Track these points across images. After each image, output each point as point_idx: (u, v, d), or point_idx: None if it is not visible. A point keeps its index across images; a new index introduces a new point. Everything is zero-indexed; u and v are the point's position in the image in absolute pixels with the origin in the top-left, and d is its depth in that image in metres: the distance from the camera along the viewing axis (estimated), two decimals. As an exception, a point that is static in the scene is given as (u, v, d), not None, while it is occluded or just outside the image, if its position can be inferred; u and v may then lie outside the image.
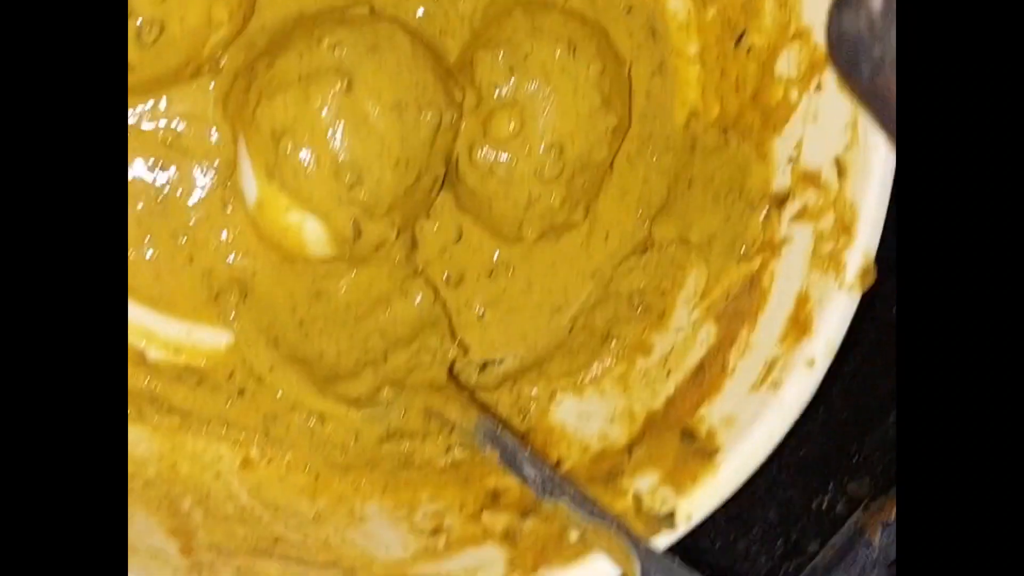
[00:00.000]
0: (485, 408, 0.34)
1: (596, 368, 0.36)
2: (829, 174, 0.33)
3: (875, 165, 0.32)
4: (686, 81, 0.39)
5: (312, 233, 0.32)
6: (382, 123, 0.32)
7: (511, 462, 0.30)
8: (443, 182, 0.35)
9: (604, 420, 0.35)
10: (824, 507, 0.42)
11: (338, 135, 0.31)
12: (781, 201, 0.35)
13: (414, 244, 0.35)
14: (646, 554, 0.28)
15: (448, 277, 0.36)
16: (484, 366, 0.37)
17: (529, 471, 0.30)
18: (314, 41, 0.32)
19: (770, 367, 0.32)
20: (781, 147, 0.35)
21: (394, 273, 0.35)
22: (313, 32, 0.32)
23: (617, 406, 0.35)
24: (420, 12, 0.36)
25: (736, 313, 0.34)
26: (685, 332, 0.35)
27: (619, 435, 0.34)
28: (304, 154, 0.31)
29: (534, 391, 0.36)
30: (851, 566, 0.41)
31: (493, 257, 0.36)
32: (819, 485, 0.42)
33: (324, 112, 0.31)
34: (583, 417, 0.35)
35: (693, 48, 0.38)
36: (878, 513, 0.41)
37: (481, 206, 0.35)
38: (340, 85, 0.31)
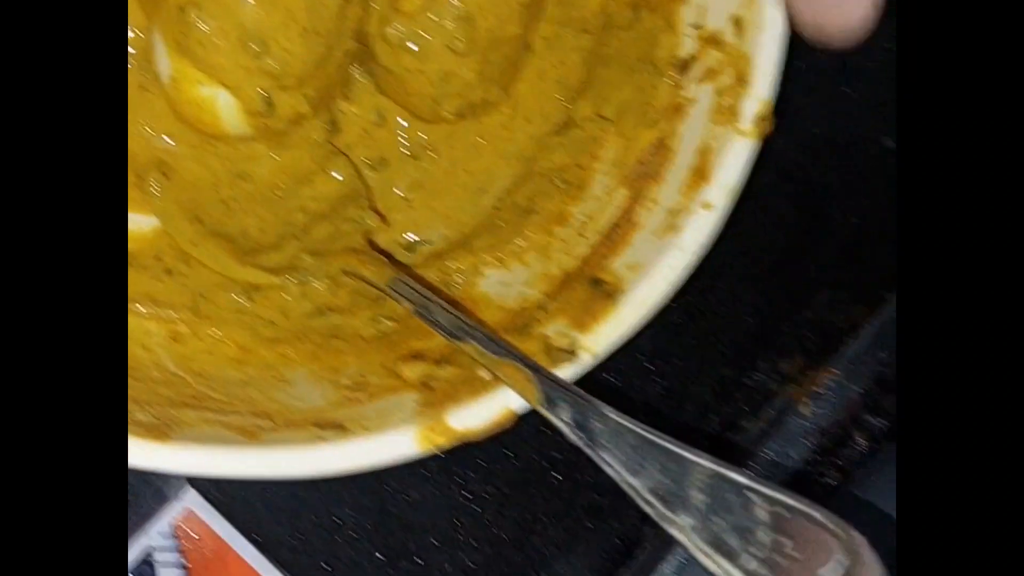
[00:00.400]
0: (400, 266, 0.35)
1: (519, 242, 0.37)
2: (729, 33, 0.34)
3: (768, 17, 0.33)
4: (602, -36, 0.39)
5: (225, 107, 0.33)
6: (287, -8, 0.32)
7: (424, 313, 0.31)
8: (360, 63, 0.36)
9: (524, 285, 0.36)
10: (756, 385, 0.43)
11: (244, 4, 0.32)
12: (686, 65, 0.36)
13: (334, 127, 0.36)
14: (547, 382, 0.29)
15: (370, 160, 0.37)
16: (411, 247, 0.38)
17: (441, 317, 0.31)
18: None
19: (673, 215, 0.33)
20: (686, 14, 0.36)
21: (315, 153, 0.36)
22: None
23: (536, 271, 0.36)
24: None
25: (645, 175, 0.35)
26: (600, 199, 0.36)
27: (536, 294, 0.35)
28: (210, 24, 0.32)
29: (460, 267, 0.37)
30: (783, 436, 0.42)
31: (415, 139, 0.37)
32: (750, 363, 0.43)
33: (229, -17, 0.32)
34: (505, 285, 0.36)
35: (607, -70, 0.39)
36: (807, 385, 0.43)
37: (398, 85, 0.36)
38: (243, -43, 0.32)
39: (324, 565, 0.40)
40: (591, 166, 0.38)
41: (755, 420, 0.43)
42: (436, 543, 0.41)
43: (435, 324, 0.31)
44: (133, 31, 0.35)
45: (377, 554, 0.40)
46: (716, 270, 0.39)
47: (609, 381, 0.41)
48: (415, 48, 0.35)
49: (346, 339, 0.35)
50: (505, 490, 0.41)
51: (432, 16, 0.35)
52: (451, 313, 0.31)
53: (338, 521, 0.40)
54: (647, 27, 0.37)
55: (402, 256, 0.38)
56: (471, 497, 0.41)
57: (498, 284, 0.36)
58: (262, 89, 0.33)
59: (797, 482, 0.41)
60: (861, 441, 0.42)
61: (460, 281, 0.37)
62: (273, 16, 0.32)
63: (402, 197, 0.37)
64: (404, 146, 0.37)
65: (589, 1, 0.39)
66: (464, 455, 0.37)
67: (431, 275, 0.37)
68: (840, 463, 0.42)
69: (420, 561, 0.40)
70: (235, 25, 0.32)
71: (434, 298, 0.32)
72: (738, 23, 0.34)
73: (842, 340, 0.43)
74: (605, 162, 0.37)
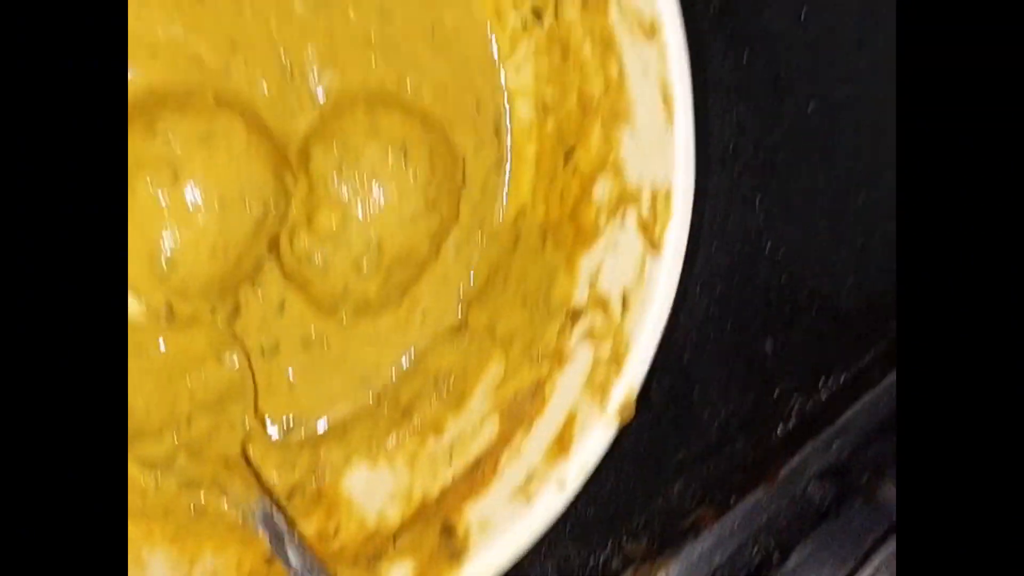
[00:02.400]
0: (267, 490, 0.37)
1: (392, 440, 0.40)
2: (616, 304, 0.37)
3: (652, 307, 0.35)
4: (520, 180, 0.41)
5: (130, 305, 0.35)
6: (203, 216, 0.34)
7: (279, 548, 0.34)
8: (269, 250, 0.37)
9: (386, 497, 0.38)
10: (600, 564, 0.47)
11: (157, 225, 0.33)
12: (576, 316, 0.38)
13: (236, 310, 0.38)
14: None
15: (264, 347, 0.39)
16: (288, 430, 0.40)
17: (294, 559, 0.33)
18: (150, 130, 0.34)
19: (529, 479, 0.36)
20: (586, 265, 0.38)
21: (212, 336, 0.37)
22: (152, 120, 0.34)
23: (401, 483, 0.38)
24: (268, 91, 0.38)
25: (518, 414, 0.38)
26: (474, 421, 0.39)
27: (393, 516, 0.37)
28: (124, 239, 0.33)
29: (332, 457, 0.39)
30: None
31: (311, 330, 0.39)
32: (599, 543, 0.47)
33: (146, 203, 0.33)
34: (369, 490, 0.39)
35: (531, 151, 0.41)
36: (648, 571, 0.46)
37: (299, 284, 0.38)
38: (166, 177, 0.33)
39: None
40: (474, 380, 0.40)
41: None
42: None
43: (287, 563, 0.34)
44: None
45: None
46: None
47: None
48: (320, 263, 0.37)
49: (210, 521, 0.37)
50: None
51: (343, 239, 0.36)
52: (304, 553, 0.34)
53: None
54: (550, 260, 0.39)
55: (278, 434, 0.40)
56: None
57: (363, 485, 0.39)
58: (165, 300, 0.34)
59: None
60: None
61: (328, 473, 0.39)
62: (185, 237, 0.34)
63: (288, 382, 0.39)
64: (300, 334, 0.39)
65: (504, 211, 0.41)
66: None
67: (302, 458, 0.39)
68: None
69: None
70: (147, 242, 0.33)
71: (291, 536, 0.34)
72: (625, 299, 0.36)
73: (684, 537, 0.47)
74: (487, 383, 0.39)
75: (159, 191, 0.33)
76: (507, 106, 0.41)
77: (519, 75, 0.40)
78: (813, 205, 0.51)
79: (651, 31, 0.34)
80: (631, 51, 0.36)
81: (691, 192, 0.35)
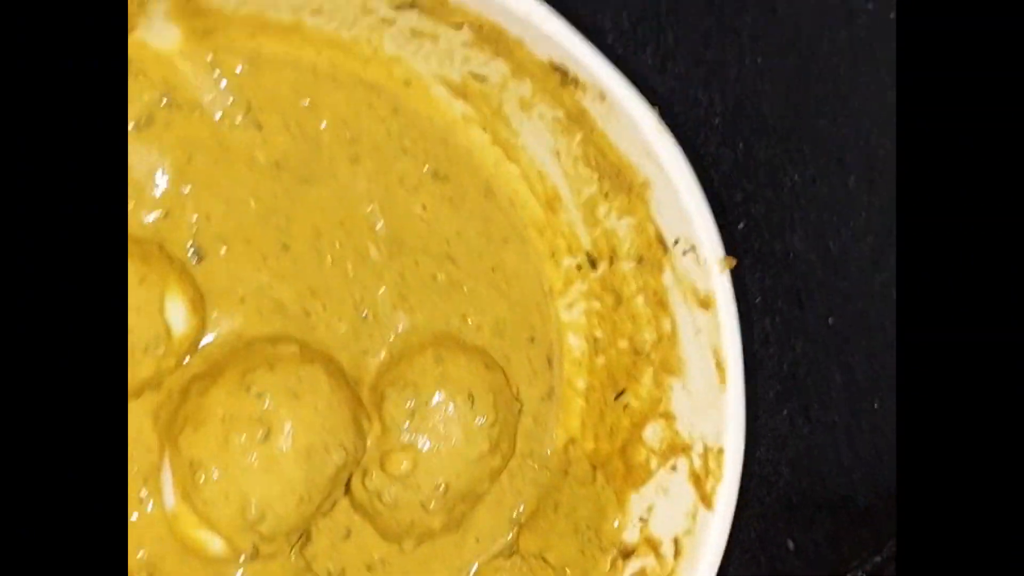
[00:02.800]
0: None
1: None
2: (668, 549, 0.39)
3: (705, 558, 0.38)
4: (571, 410, 0.44)
5: (215, 545, 0.37)
6: (291, 467, 0.36)
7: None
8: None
9: None
10: None
11: (249, 477, 0.36)
12: (627, 554, 0.41)
13: (308, 538, 0.40)
14: None
15: (331, 571, 0.41)
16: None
17: None
18: (243, 385, 0.36)
19: None
20: (637, 504, 0.41)
21: (286, 568, 0.39)
22: (243, 376, 0.36)
23: None
24: (343, 333, 0.41)
25: (570, 644, 0.40)
26: (526, 645, 0.41)
27: None
28: (215, 489, 0.36)
29: None
30: None
31: (374, 556, 0.41)
32: None
33: (239, 455, 0.36)
34: None
35: (581, 383, 0.44)
36: None
37: (368, 515, 0.40)
38: (259, 434, 0.36)
39: None
40: (526, 604, 0.42)
41: None
42: None
43: None
44: (146, 450, 0.38)
45: None
46: None
47: None
48: (390, 500, 0.39)
49: None
50: None
51: (412, 481, 0.39)
52: None
53: None
54: (600, 493, 0.42)
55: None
56: None
57: None
58: (252, 543, 0.37)
59: None
60: None
61: None
62: (274, 488, 0.36)
63: (352, 602, 0.41)
64: (364, 560, 0.41)
65: (554, 440, 0.44)
66: None
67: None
68: None
69: None
70: (238, 493, 0.36)
71: None
72: (678, 546, 0.39)
73: None
74: (539, 609, 0.42)
75: (251, 445, 0.36)
76: (559, 339, 0.44)
77: (571, 311, 0.43)
78: (831, 411, 0.54)
79: (706, 304, 0.38)
80: (684, 313, 0.39)
81: (742, 452, 0.37)
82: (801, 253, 0.53)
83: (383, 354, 0.41)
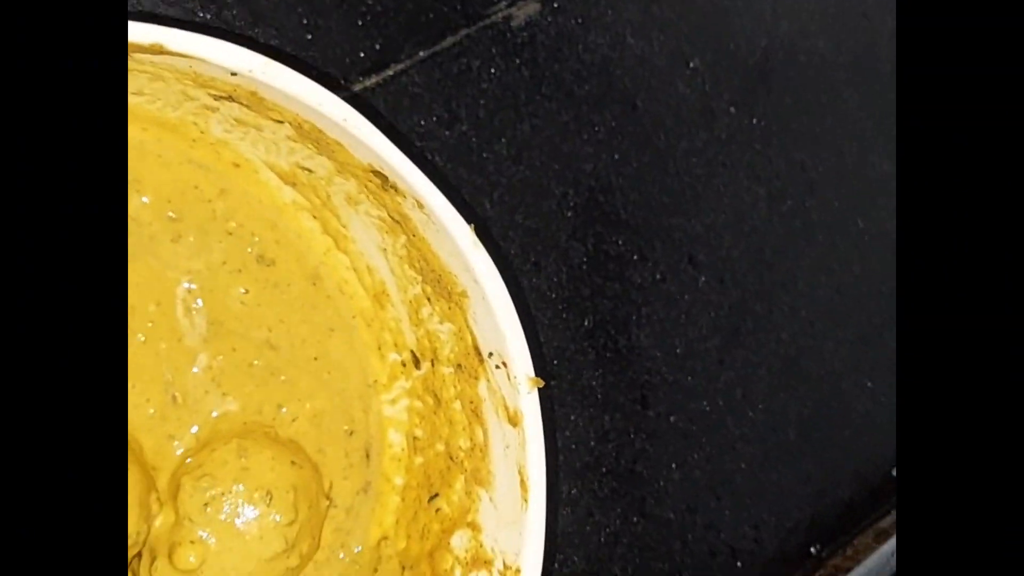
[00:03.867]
0: None
1: None
2: None
3: None
4: (386, 507, 0.43)
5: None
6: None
7: None
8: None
9: None
10: None
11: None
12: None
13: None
14: None
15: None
16: None
17: None
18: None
19: None
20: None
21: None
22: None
23: None
24: (152, 411, 0.39)
25: None
26: None
27: None
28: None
29: None
30: None
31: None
32: None
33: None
34: None
35: (399, 480, 0.43)
36: None
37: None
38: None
39: None
40: None
41: None
42: None
43: None
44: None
45: None
46: None
47: None
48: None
49: None
50: None
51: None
52: None
53: None
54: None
55: None
56: None
57: None
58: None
59: None
60: None
61: None
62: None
63: None
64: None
65: (367, 536, 0.43)
66: None
67: None
68: None
69: None
70: None
71: None
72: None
73: None
74: None
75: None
76: (380, 433, 0.43)
77: (395, 407, 0.43)
78: (665, 507, 0.54)
79: (514, 421, 0.37)
80: (495, 426, 0.38)
81: (539, 574, 0.37)
82: (646, 350, 0.53)
83: (188, 441, 0.40)
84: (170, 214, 0.39)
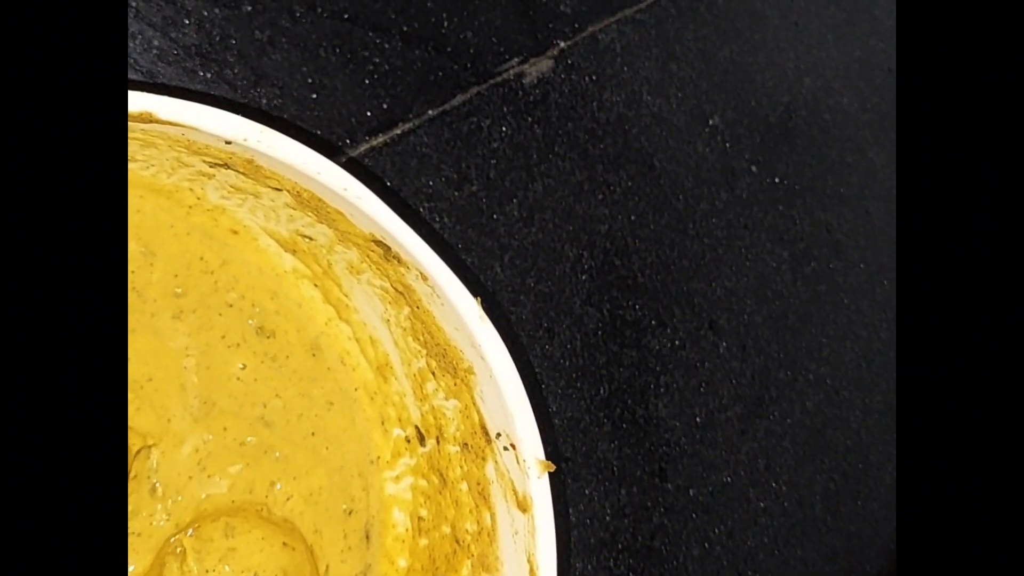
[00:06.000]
0: None
1: None
2: None
3: None
4: (388, 591, 0.41)
5: None
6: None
7: None
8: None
9: None
10: None
11: None
12: None
13: None
14: None
15: None
16: None
17: None
18: None
19: None
20: None
21: None
22: None
23: None
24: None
25: None
26: None
27: None
28: None
29: None
30: None
31: None
32: None
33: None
34: None
35: (403, 563, 0.40)
36: None
37: None
38: None
39: None
40: None
41: None
42: None
43: None
44: None
45: None
46: None
47: None
48: None
49: None
50: None
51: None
52: None
53: None
54: None
55: None
56: None
57: None
58: None
59: None
60: None
61: None
62: None
63: None
64: None
65: None
66: None
67: None
68: None
69: None
70: None
71: None
72: None
73: None
74: None
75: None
76: (382, 512, 0.41)
77: (398, 485, 0.40)
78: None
79: (523, 506, 0.35)
80: (503, 511, 0.36)
81: (547, 673, 0.34)
82: (665, 420, 0.50)
83: (173, 520, 0.37)
84: (177, 290, 0.38)
